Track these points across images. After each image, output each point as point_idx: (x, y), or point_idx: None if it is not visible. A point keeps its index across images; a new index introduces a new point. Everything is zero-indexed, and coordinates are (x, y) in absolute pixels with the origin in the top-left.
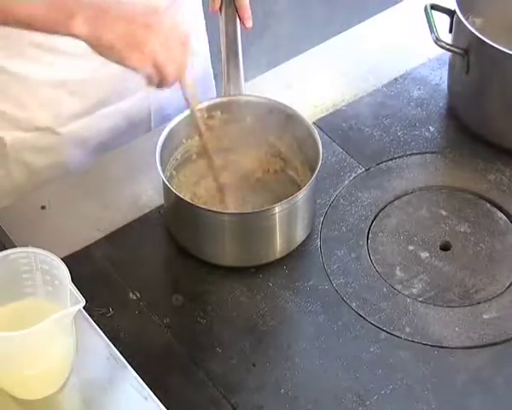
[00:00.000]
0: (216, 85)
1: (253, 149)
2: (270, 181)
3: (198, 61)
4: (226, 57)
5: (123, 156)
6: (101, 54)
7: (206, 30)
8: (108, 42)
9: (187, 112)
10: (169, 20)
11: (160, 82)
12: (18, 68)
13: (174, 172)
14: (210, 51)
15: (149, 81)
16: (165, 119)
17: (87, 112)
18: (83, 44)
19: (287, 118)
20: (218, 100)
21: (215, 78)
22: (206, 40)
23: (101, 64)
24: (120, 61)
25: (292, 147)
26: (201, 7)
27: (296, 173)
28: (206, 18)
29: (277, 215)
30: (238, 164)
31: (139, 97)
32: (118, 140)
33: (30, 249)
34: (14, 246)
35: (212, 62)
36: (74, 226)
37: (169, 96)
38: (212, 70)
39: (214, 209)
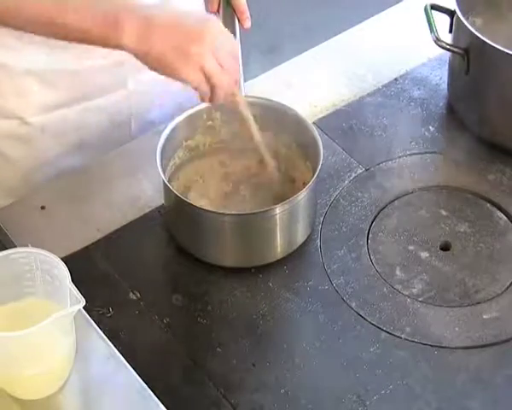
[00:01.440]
0: None
1: (252, 150)
2: (270, 182)
3: None
4: None
5: (123, 156)
6: (149, 65)
7: None
8: (157, 54)
9: (186, 113)
10: (216, 29)
11: (211, 94)
12: None
13: (175, 173)
14: None
15: (201, 94)
16: (149, 124)
17: (61, 105)
18: None
19: (287, 118)
20: None
21: None
22: None
23: (77, 57)
24: (170, 74)
25: (292, 147)
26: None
27: (296, 174)
28: None
29: (278, 216)
30: (238, 165)
31: (119, 96)
32: (99, 139)
33: (30, 249)
34: (14, 246)
35: None
36: (74, 226)
37: (152, 100)
38: None
39: (215, 210)
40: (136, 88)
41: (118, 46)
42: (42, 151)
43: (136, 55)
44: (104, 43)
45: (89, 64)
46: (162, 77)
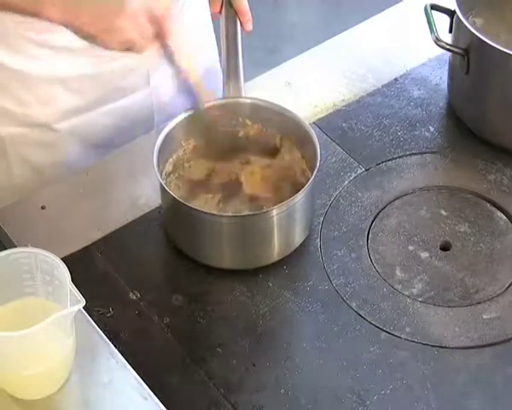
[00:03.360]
0: None
1: (251, 152)
2: (268, 183)
3: (204, 58)
4: (226, 58)
5: (123, 156)
6: (77, 35)
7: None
8: (82, 27)
9: (185, 113)
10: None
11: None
12: (15, 64)
13: (172, 174)
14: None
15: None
16: (170, 118)
17: (86, 109)
18: (81, 40)
19: (285, 120)
20: (218, 102)
21: None
22: (213, 37)
23: (100, 61)
24: (97, 45)
25: (291, 149)
26: (207, 5)
27: (295, 175)
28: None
29: (275, 218)
30: (237, 166)
31: (141, 95)
32: (120, 139)
33: (30, 249)
34: (14, 246)
35: None
36: (74, 226)
37: (172, 95)
38: (220, 68)
39: (212, 212)
40: (157, 84)
41: (43, 17)
42: (65, 155)
43: (65, 26)
44: (28, 13)
45: (111, 66)
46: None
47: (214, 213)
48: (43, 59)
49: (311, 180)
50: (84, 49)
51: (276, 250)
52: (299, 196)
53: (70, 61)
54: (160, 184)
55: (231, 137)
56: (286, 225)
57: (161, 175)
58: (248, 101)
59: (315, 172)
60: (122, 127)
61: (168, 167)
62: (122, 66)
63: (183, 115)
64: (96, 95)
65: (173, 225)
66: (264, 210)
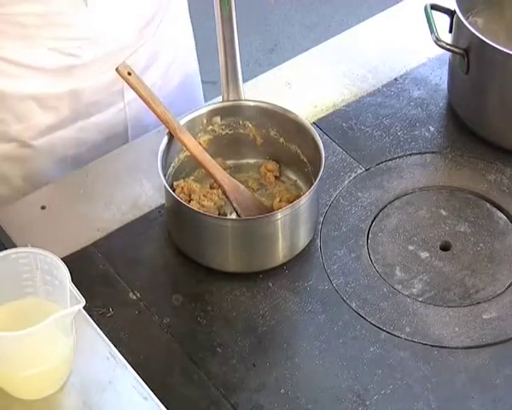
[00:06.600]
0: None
1: (253, 154)
2: (271, 186)
3: (181, 68)
4: (224, 62)
5: (123, 156)
6: None
7: (195, 36)
8: None
9: (187, 117)
10: None
11: None
12: None
13: (176, 177)
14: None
15: None
16: (144, 130)
17: (61, 126)
18: (52, 60)
19: (288, 122)
20: (218, 105)
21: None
22: (193, 46)
23: (76, 80)
24: None
25: (293, 151)
26: (187, 11)
27: (298, 178)
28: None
29: (280, 221)
30: (239, 169)
31: (114, 110)
32: (98, 152)
33: (30, 249)
34: (14, 246)
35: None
36: (74, 226)
37: (147, 109)
38: (198, 71)
39: (216, 216)
40: (131, 99)
41: None
42: (38, 169)
43: None
44: None
45: (87, 84)
46: (157, 83)
47: (218, 216)
48: (19, 78)
49: (315, 184)
50: (61, 70)
51: (280, 254)
52: (304, 200)
53: (47, 80)
54: (165, 187)
55: (233, 140)
56: (290, 228)
57: (165, 178)
58: (249, 103)
59: (319, 174)
60: (97, 142)
61: (171, 170)
62: (97, 83)
63: (185, 119)
64: (72, 111)
65: (177, 228)
66: (268, 213)
